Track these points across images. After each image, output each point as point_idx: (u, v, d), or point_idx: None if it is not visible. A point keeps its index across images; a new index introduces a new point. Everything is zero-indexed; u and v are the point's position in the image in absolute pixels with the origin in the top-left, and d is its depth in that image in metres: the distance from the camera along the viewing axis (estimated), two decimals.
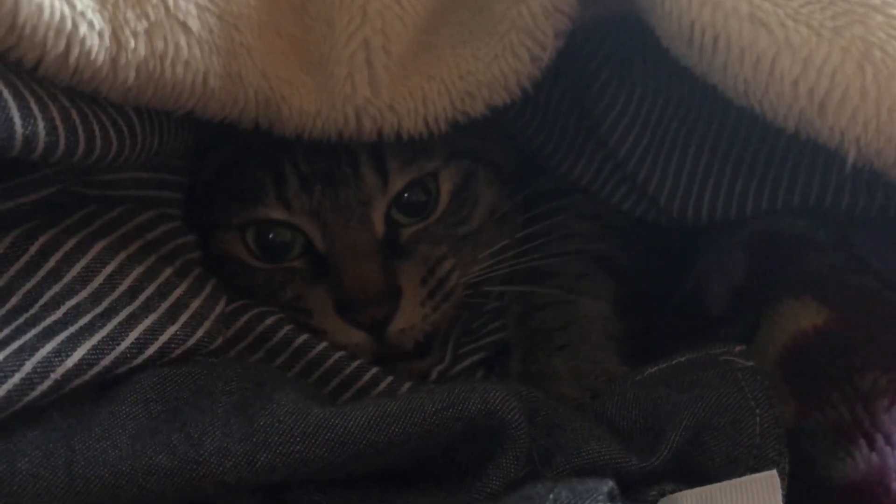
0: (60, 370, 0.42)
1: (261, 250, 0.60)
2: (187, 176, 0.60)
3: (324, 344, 0.56)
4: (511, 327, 0.62)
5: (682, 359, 0.48)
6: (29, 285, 0.45)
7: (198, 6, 0.45)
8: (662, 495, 0.40)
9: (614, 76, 0.63)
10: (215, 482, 0.41)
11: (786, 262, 0.58)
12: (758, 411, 0.44)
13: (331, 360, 0.55)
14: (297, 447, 0.41)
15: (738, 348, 0.48)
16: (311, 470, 0.42)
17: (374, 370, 0.56)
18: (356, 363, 0.56)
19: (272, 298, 0.59)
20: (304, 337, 0.56)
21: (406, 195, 0.60)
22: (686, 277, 0.66)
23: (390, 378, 0.56)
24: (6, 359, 0.41)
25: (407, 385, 0.55)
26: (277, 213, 0.59)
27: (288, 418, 0.42)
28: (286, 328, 0.56)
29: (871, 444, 0.45)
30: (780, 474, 0.42)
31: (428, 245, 0.60)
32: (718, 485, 0.40)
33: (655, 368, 0.49)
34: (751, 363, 0.47)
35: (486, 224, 0.63)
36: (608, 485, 0.39)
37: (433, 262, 0.59)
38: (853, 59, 0.43)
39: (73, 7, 0.39)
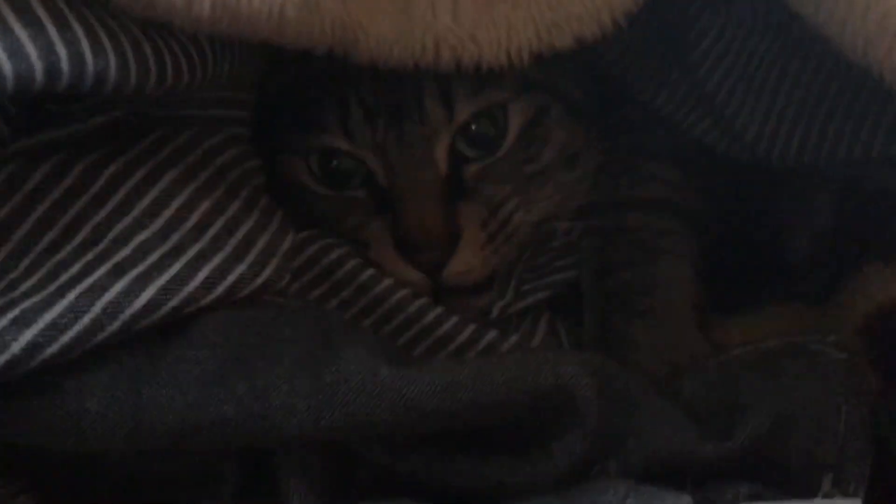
0: (129, 311, 0.41)
1: (325, 176, 0.58)
2: (255, 92, 0.58)
3: (389, 281, 0.55)
4: (586, 285, 0.60)
5: (771, 343, 0.46)
6: (98, 218, 0.44)
7: None
8: (737, 499, 0.38)
9: (708, 3, 0.58)
10: (279, 436, 0.41)
11: (880, 222, 0.55)
12: (844, 408, 0.42)
13: (394, 298, 0.54)
14: (363, 408, 0.40)
15: (831, 338, 0.45)
16: (376, 431, 0.41)
17: (438, 310, 0.55)
18: (419, 302, 0.55)
19: (333, 226, 0.57)
20: (369, 273, 0.55)
21: (473, 127, 0.56)
22: (761, 221, 0.63)
23: (455, 319, 0.54)
24: (78, 298, 0.40)
25: (471, 327, 0.54)
26: (340, 143, 0.56)
27: (355, 378, 0.41)
28: (352, 262, 0.55)
29: None
30: (859, 479, 0.40)
31: (492, 185, 0.57)
32: (797, 502, 0.38)
33: (741, 350, 0.47)
34: (843, 355, 0.44)
35: (555, 163, 0.60)
36: (685, 502, 0.37)
37: (496, 204, 0.57)
38: None
39: None
